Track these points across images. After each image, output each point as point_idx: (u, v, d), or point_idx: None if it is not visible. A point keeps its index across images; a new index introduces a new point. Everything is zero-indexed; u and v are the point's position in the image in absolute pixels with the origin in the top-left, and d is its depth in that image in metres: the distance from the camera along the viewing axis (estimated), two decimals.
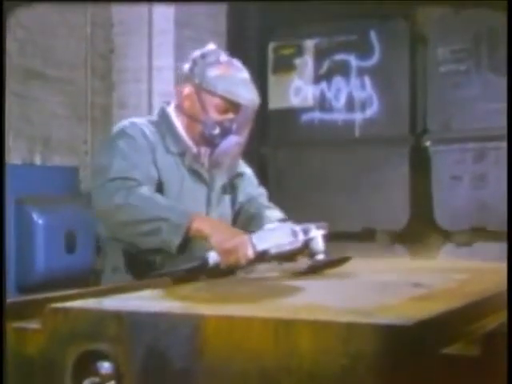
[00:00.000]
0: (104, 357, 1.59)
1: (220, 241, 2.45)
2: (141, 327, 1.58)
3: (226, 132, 2.71)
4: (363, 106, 6.51)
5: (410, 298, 1.92)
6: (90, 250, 5.54)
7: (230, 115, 2.71)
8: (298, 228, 2.52)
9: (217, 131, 2.70)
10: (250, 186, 2.99)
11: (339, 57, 6.57)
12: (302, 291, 2.13)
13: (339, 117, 6.59)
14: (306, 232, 2.51)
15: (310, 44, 6.69)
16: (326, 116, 6.64)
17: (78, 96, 6.00)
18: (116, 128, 2.76)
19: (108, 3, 6.20)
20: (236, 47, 6.02)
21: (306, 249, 2.51)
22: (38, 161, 5.68)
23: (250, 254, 2.45)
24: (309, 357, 1.44)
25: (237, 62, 2.81)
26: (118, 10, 6.25)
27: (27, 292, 4.77)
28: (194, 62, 2.76)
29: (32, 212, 5.18)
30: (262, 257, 2.50)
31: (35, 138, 5.66)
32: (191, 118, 2.75)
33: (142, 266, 2.64)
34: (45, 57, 5.73)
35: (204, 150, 2.78)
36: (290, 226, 2.57)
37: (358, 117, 6.52)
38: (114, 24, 6.26)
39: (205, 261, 2.44)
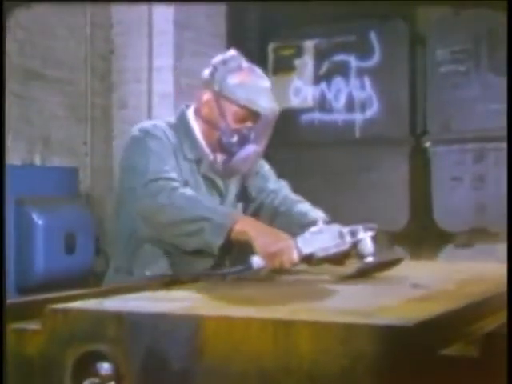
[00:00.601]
0: (104, 357, 1.59)
1: (264, 244, 2.39)
2: (140, 328, 1.58)
3: (243, 140, 2.67)
4: (363, 107, 6.51)
5: (410, 299, 1.92)
6: (90, 251, 5.54)
7: (249, 123, 2.67)
8: (345, 230, 2.44)
9: (235, 139, 2.66)
10: (269, 181, 2.93)
11: (339, 57, 6.57)
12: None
13: (339, 117, 6.59)
14: (353, 234, 2.43)
15: (309, 45, 6.69)
16: (326, 116, 6.64)
17: (78, 96, 6.00)
18: (139, 129, 2.73)
19: (107, 3, 6.20)
20: (236, 48, 6.02)
21: (353, 251, 2.44)
22: (37, 161, 5.68)
23: (295, 257, 2.38)
24: (308, 357, 1.44)
25: (258, 70, 2.77)
26: (117, 11, 6.25)
27: (27, 293, 4.77)
28: (215, 68, 2.71)
29: (32, 213, 5.18)
30: (308, 260, 2.43)
31: (35, 139, 5.66)
32: (209, 125, 2.71)
33: (183, 267, 2.63)
34: (44, 57, 5.73)
35: (220, 157, 2.75)
36: (336, 227, 2.48)
37: (357, 117, 6.52)
38: (113, 24, 6.26)
39: (249, 265, 2.39)
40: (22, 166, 5.50)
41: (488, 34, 6.01)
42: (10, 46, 5.26)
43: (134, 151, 2.69)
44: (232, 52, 2.79)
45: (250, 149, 2.68)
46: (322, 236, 2.44)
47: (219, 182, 2.77)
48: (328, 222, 2.60)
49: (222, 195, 2.78)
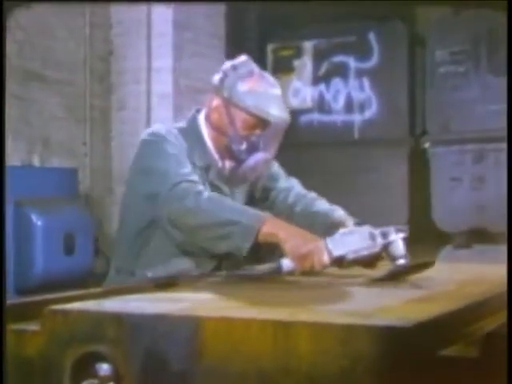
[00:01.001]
0: (103, 358, 1.58)
1: (294, 246, 2.35)
2: (140, 329, 1.58)
3: (252, 148, 2.65)
4: (362, 108, 6.51)
5: (409, 299, 1.92)
6: (89, 252, 5.54)
7: (258, 131, 2.65)
8: (376, 231, 2.39)
9: (243, 146, 2.64)
10: (278, 181, 2.91)
11: (338, 58, 6.58)
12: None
13: (338, 118, 6.60)
14: (384, 235, 2.38)
15: (308, 45, 6.70)
16: (325, 117, 6.64)
17: (77, 97, 6.00)
18: (151, 133, 2.70)
19: (107, 3, 6.20)
20: (235, 48, 6.02)
21: (384, 253, 2.38)
22: (36, 162, 5.68)
23: (326, 259, 2.33)
24: (308, 358, 1.44)
25: (269, 76, 2.75)
26: (116, 12, 6.25)
27: (26, 294, 4.77)
28: (225, 74, 2.68)
29: (31, 214, 5.18)
30: (339, 263, 2.37)
31: (34, 140, 5.66)
32: (218, 131, 2.69)
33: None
34: (44, 58, 5.73)
35: (229, 164, 2.73)
36: (367, 229, 2.42)
37: (356, 118, 6.53)
38: (112, 25, 6.26)
39: (278, 267, 2.36)
40: (21, 167, 5.50)
41: (487, 35, 6.02)
42: (10, 46, 5.27)
43: (150, 154, 2.65)
44: (243, 58, 2.75)
45: (259, 156, 2.66)
46: (353, 238, 2.39)
47: (226, 190, 2.75)
48: (358, 224, 2.57)
49: None
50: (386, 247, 2.37)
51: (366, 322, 1.49)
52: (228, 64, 2.72)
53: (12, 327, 1.69)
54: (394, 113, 6.40)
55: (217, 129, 2.70)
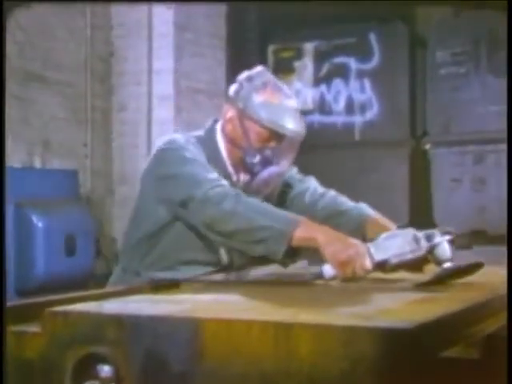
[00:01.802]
0: (104, 360, 1.58)
1: (335, 252, 2.28)
2: (140, 330, 1.58)
3: (266, 161, 2.61)
4: (363, 109, 6.51)
5: (411, 301, 1.92)
6: (90, 253, 5.54)
7: (272, 144, 2.61)
8: (420, 234, 2.31)
9: (257, 159, 2.60)
10: (294, 187, 2.86)
11: (339, 59, 6.58)
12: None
13: (339, 119, 6.60)
14: (429, 238, 2.29)
15: (309, 47, 6.70)
16: (326, 119, 6.64)
17: (78, 99, 6.01)
18: (169, 141, 2.66)
19: (107, 4, 6.21)
20: (236, 50, 6.03)
21: (429, 256, 2.29)
22: (37, 164, 5.68)
23: (368, 264, 2.25)
24: (308, 360, 1.44)
25: (285, 88, 2.70)
26: (117, 13, 6.25)
27: (27, 295, 4.77)
28: (240, 85, 2.65)
29: (32, 215, 5.18)
30: (382, 267, 2.29)
31: (35, 141, 5.67)
32: (232, 143, 2.65)
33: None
34: (44, 59, 5.73)
35: (243, 177, 2.69)
36: (411, 232, 2.33)
37: (357, 119, 6.53)
38: (113, 27, 6.26)
39: (320, 274, 2.30)
40: (21, 169, 5.50)
41: (488, 36, 6.02)
42: (10, 47, 5.27)
43: (173, 161, 2.60)
44: (259, 68, 2.72)
45: (272, 170, 2.63)
46: (396, 241, 2.31)
47: None
48: (401, 226, 2.49)
49: None
50: (432, 250, 2.29)
51: (367, 324, 1.49)
52: (244, 74, 2.68)
53: (12, 329, 1.69)
54: (394, 114, 6.40)
55: (231, 141, 2.66)
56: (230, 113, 2.65)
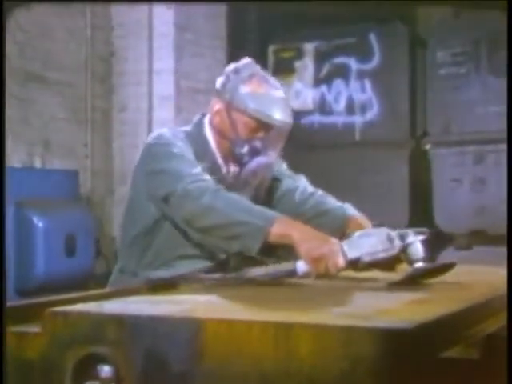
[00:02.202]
0: (104, 360, 1.59)
1: (309, 249, 2.29)
2: (141, 331, 1.58)
3: (254, 151, 2.62)
4: (363, 109, 6.52)
5: (410, 301, 1.92)
6: (90, 254, 5.54)
7: (261, 134, 2.62)
8: (393, 233, 2.32)
9: (245, 150, 2.61)
10: (284, 183, 2.86)
11: (339, 60, 6.58)
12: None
13: (339, 120, 6.60)
14: (402, 238, 2.30)
15: (310, 47, 6.70)
16: (326, 119, 6.65)
17: (78, 99, 6.01)
18: (157, 136, 2.68)
19: (107, 4, 6.21)
20: (236, 50, 6.03)
21: (402, 256, 2.30)
22: (37, 164, 5.68)
23: (341, 262, 2.26)
24: (308, 360, 1.44)
25: (271, 79, 2.70)
26: (117, 13, 6.26)
27: (27, 296, 4.77)
28: (227, 77, 2.66)
29: (32, 215, 5.18)
30: (355, 265, 2.30)
31: (35, 141, 5.67)
32: (220, 135, 2.67)
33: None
34: (45, 60, 5.73)
35: (233, 169, 2.70)
36: (385, 231, 2.34)
37: (358, 120, 6.53)
38: (114, 27, 6.27)
39: (293, 270, 2.31)
40: (22, 169, 5.51)
41: (488, 37, 6.02)
42: (10, 47, 5.27)
43: (160, 157, 2.62)
44: (246, 60, 2.72)
45: (261, 161, 2.63)
46: (370, 240, 2.32)
47: None
48: (376, 225, 2.49)
49: None
50: (405, 250, 2.30)
51: (366, 324, 1.49)
52: (231, 67, 2.70)
53: (12, 329, 1.69)
54: (395, 114, 6.40)
55: (219, 133, 2.67)
56: (218, 105, 2.67)
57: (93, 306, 1.80)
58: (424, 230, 2.38)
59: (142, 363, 1.56)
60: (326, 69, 6.64)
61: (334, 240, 2.33)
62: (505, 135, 5.15)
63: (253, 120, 2.60)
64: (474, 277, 2.50)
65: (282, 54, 6.82)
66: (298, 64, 6.74)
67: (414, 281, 2.23)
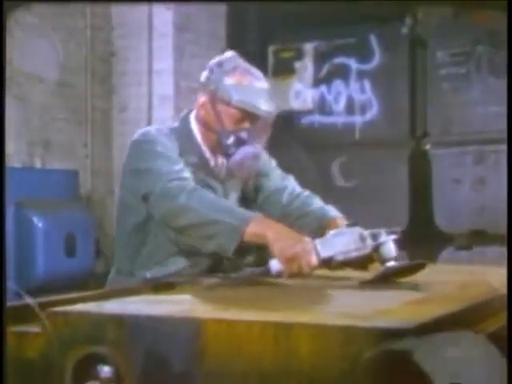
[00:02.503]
0: (104, 360, 1.59)
1: (282, 248, 2.32)
2: (140, 331, 1.58)
3: (240, 142, 2.64)
4: (363, 109, 6.51)
5: (409, 301, 1.92)
6: (90, 254, 5.54)
7: (246, 125, 2.64)
8: (366, 233, 2.35)
9: (231, 141, 2.63)
10: (273, 180, 2.88)
11: (339, 60, 6.58)
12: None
13: (339, 120, 6.60)
14: (375, 237, 2.34)
15: (309, 47, 6.70)
16: (326, 119, 6.64)
17: (78, 99, 6.01)
18: (142, 133, 2.70)
19: (107, 4, 6.21)
20: (236, 50, 6.02)
21: (375, 255, 2.34)
22: (37, 164, 5.68)
23: (314, 261, 2.30)
24: (308, 360, 1.44)
25: (255, 70, 2.72)
26: (117, 13, 6.26)
27: (27, 295, 4.76)
28: (211, 70, 2.69)
29: (32, 215, 5.18)
30: (328, 264, 2.34)
31: (35, 141, 5.67)
32: (206, 127, 2.69)
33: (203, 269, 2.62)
34: (45, 60, 5.73)
35: (221, 161, 2.72)
36: (358, 230, 2.38)
37: (357, 120, 6.53)
38: (114, 27, 6.26)
39: (267, 269, 2.33)
40: (22, 169, 5.51)
41: (488, 37, 6.02)
42: (11, 48, 5.27)
43: (141, 155, 2.66)
44: (229, 53, 2.76)
45: (247, 150, 2.65)
46: (343, 239, 2.35)
47: (219, 188, 2.74)
48: (350, 225, 2.51)
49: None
50: (377, 249, 2.34)
51: (366, 324, 1.49)
52: (214, 60, 2.73)
53: (13, 329, 1.69)
54: (394, 114, 6.40)
55: (205, 125, 2.70)
56: (203, 98, 2.69)
57: (93, 306, 1.80)
58: (396, 229, 2.41)
59: (142, 363, 1.56)
60: (325, 69, 6.64)
61: (308, 239, 2.35)
62: (505, 135, 5.15)
63: (238, 111, 2.63)
64: (474, 277, 2.50)
65: (281, 55, 6.81)
66: (297, 64, 6.74)
67: (385, 279, 2.27)
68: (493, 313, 1.80)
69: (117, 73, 6.27)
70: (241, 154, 2.65)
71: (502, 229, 5.07)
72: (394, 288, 2.20)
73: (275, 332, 1.48)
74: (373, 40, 6.46)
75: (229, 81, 2.64)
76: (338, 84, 6.60)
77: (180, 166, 2.58)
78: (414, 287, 2.18)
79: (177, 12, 6.09)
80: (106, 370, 1.58)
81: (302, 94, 6.72)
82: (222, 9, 6.43)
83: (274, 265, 2.31)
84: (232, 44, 6.31)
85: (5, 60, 4.93)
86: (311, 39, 6.69)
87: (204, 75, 2.72)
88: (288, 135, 6.59)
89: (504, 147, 5.51)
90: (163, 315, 1.66)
